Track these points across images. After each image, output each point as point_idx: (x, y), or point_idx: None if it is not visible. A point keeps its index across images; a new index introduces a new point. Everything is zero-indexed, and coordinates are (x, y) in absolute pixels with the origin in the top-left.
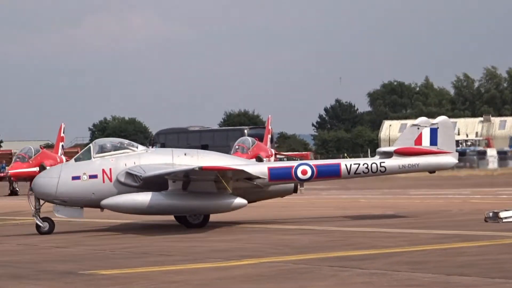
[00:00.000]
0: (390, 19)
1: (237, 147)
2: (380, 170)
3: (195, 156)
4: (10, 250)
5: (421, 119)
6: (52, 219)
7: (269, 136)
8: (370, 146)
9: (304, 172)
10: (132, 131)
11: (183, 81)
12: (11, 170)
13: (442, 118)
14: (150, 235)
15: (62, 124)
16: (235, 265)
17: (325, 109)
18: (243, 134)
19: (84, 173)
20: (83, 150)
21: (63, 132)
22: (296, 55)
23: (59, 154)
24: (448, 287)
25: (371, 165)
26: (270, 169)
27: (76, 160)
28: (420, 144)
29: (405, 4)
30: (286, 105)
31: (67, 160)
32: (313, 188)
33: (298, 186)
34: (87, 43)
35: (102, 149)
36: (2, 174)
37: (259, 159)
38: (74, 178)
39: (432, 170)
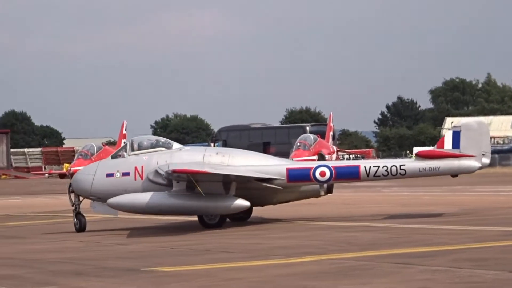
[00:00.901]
0: (452, 16)
1: (298, 144)
2: (399, 173)
3: (227, 155)
4: (72, 247)
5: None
6: (85, 215)
7: (331, 133)
8: (432, 143)
9: (322, 174)
10: (194, 128)
11: (245, 78)
12: (73, 167)
13: (465, 121)
14: (211, 232)
15: (124, 121)
16: (296, 262)
17: (387, 106)
18: (305, 131)
19: (118, 171)
20: (120, 147)
21: (125, 129)
22: (358, 52)
23: None
24: (511, 284)
25: (391, 167)
26: (288, 170)
27: (112, 157)
28: (443, 147)
29: (467, 1)
30: (348, 102)
31: None
32: (374, 185)
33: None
34: (151, 41)
35: (137, 147)
36: (64, 171)
37: (321, 156)
38: (108, 175)
39: (453, 174)
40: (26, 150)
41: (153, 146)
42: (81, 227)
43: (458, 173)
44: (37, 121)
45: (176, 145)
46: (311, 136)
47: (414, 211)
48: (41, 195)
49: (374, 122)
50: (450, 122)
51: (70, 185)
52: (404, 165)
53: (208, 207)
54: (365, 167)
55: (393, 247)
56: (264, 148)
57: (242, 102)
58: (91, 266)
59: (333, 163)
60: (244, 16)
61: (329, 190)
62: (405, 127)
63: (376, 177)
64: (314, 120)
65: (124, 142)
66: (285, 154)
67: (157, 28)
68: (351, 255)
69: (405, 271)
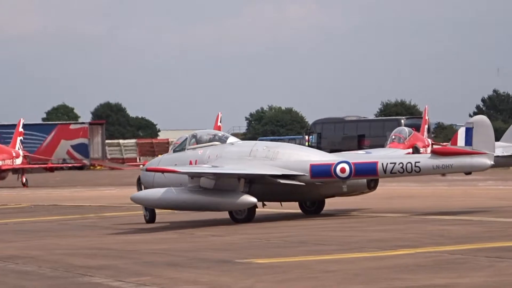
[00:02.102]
0: None
1: (393, 137)
2: (414, 170)
3: (272, 149)
4: (166, 238)
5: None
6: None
7: (426, 126)
8: None
9: (342, 170)
10: (289, 121)
11: (340, 70)
12: None
13: (478, 118)
14: (305, 225)
15: (219, 113)
16: (391, 254)
17: (483, 100)
18: (399, 124)
19: (176, 164)
20: (182, 141)
21: (220, 121)
22: (452, 45)
23: None
24: None
25: (406, 164)
26: (312, 166)
27: (174, 151)
28: (456, 144)
29: None
30: (443, 95)
31: None
32: (470, 178)
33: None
34: (247, 33)
35: (195, 141)
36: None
37: (416, 150)
38: None
39: (466, 171)
40: (121, 141)
41: (210, 140)
42: (150, 219)
43: (471, 171)
44: (132, 112)
45: (231, 139)
46: (406, 129)
47: (509, 205)
48: (135, 186)
49: (470, 115)
50: None
51: (139, 177)
52: (419, 162)
53: (217, 203)
54: (382, 163)
55: (488, 241)
56: (359, 141)
57: (337, 95)
58: (185, 257)
59: (354, 159)
60: (338, 6)
61: (369, 186)
62: (501, 121)
63: (392, 173)
64: (409, 113)
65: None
66: (379, 147)
67: (252, 19)
68: (445, 248)
69: (500, 265)
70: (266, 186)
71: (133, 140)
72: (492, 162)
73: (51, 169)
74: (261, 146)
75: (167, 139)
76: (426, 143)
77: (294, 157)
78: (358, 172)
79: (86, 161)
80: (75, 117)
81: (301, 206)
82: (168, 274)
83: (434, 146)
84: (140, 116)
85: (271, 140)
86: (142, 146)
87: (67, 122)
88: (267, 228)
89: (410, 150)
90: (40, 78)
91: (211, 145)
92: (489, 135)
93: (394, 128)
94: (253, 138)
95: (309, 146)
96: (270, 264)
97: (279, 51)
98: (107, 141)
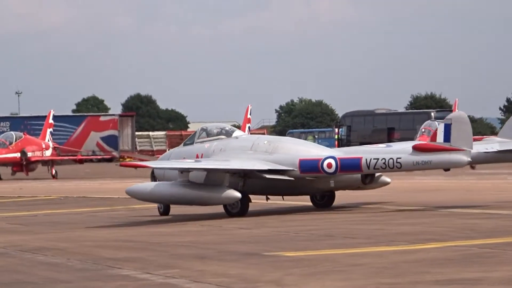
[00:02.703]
0: None
1: (423, 130)
2: (396, 166)
3: (273, 144)
4: (194, 231)
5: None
6: None
7: None
8: None
9: (329, 165)
10: (319, 113)
11: (371, 63)
12: None
13: (456, 114)
14: (333, 218)
15: (249, 105)
16: (420, 248)
17: None
18: (429, 117)
19: (184, 158)
20: (192, 135)
21: (250, 114)
22: (484, 38)
23: None
24: None
25: (388, 160)
26: (301, 161)
27: (184, 144)
28: (435, 140)
29: None
30: (473, 88)
31: None
32: (498, 172)
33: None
34: (277, 26)
35: (203, 134)
36: None
37: None
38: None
39: (444, 167)
40: (150, 133)
41: (218, 134)
42: (164, 211)
43: (449, 167)
44: (162, 104)
45: (237, 133)
46: (436, 122)
47: None
48: None
49: (500, 108)
50: None
51: (152, 170)
52: (400, 158)
53: (203, 197)
54: (366, 159)
55: None
56: (389, 134)
57: (367, 88)
58: (212, 250)
59: (340, 155)
60: (369, 1)
61: (364, 181)
62: None
63: (376, 169)
64: (439, 106)
65: (249, 127)
66: (409, 140)
67: (283, 12)
68: (475, 242)
69: None
70: (261, 180)
71: (163, 132)
72: (469, 159)
73: (81, 161)
74: (262, 140)
75: None
76: None
77: (292, 152)
78: (343, 168)
79: (115, 153)
80: (105, 109)
81: (312, 200)
82: (196, 266)
83: None
84: (170, 108)
85: (301, 132)
86: (172, 138)
87: (97, 114)
88: (295, 221)
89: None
90: (71, 70)
91: (217, 138)
92: (467, 132)
93: (424, 121)
94: (283, 130)
95: (338, 139)
96: (298, 257)
97: (309, 44)
98: (137, 133)
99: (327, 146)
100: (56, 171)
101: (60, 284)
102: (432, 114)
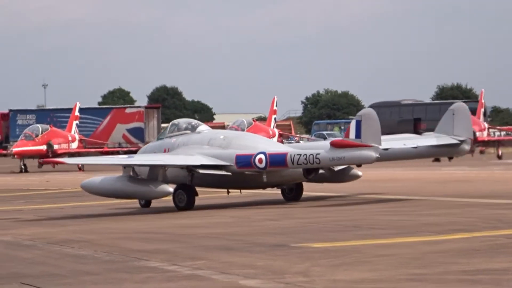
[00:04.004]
0: None
1: None
2: (315, 162)
3: (227, 140)
4: (222, 223)
5: None
6: None
7: (482, 110)
8: None
9: (260, 161)
10: (345, 104)
11: (396, 54)
12: None
13: (366, 111)
14: (359, 209)
15: (275, 97)
16: (446, 239)
17: None
18: None
19: (155, 152)
20: (164, 129)
21: (276, 105)
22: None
23: (271, 127)
24: None
25: (309, 156)
26: (237, 156)
27: (158, 139)
28: (348, 136)
29: None
30: (500, 78)
31: (279, 133)
32: None
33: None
34: (300, 17)
35: (173, 129)
36: None
37: (472, 133)
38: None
39: (355, 163)
40: None
41: (185, 129)
42: (145, 203)
43: (359, 163)
44: (188, 96)
45: (201, 128)
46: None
47: None
48: None
49: None
50: None
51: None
52: (319, 154)
53: (139, 192)
54: (290, 155)
55: None
56: (415, 125)
57: (393, 78)
58: (240, 241)
59: (270, 150)
60: None
61: (306, 175)
62: None
63: (299, 164)
64: (465, 96)
65: (275, 118)
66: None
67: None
68: (502, 233)
69: None
70: (207, 175)
71: None
72: (378, 155)
73: (107, 153)
74: (220, 135)
75: (223, 123)
76: (482, 127)
77: (244, 147)
78: (272, 163)
79: (141, 145)
80: (131, 101)
81: (282, 193)
82: (224, 258)
83: (490, 130)
84: (196, 100)
85: (327, 123)
86: None
87: (123, 106)
88: (322, 212)
89: None
90: (97, 62)
91: (183, 133)
92: (375, 128)
93: None
94: (309, 121)
95: None
96: (325, 249)
97: (335, 35)
98: (163, 125)
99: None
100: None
101: (87, 276)
102: None
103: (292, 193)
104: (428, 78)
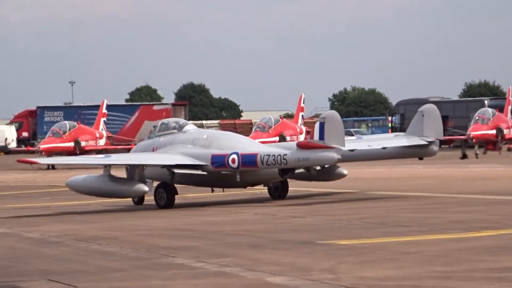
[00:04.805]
0: None
1: (477, 118)
2: (283, 162)
3: (209, 140)
4: (248, 220)
5: None
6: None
7: (510, 107)
8: None
9: (233, 161)
10: (372, 102)
11: (424, 51)
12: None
13: (329, 113)
14: (385, 206)
15: (302, 94)
16: (473, 236)
17: None
18: (483, 105)
19: (144, 151)
20: (154, 129)
21: (303, 103)
22: None
23: (298, 124)
24: None
25: (277, 157)
26: (212, 156)
27: (148, 137)
28: (313, 137)
29: None
30: None
31: (306, 131)
32: None
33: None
34: (327, 14)
35: (162, 128)
36: None
37: (499, 131)
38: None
39: (318, 165)
40: (204, 122)
41: (173, 128)
42: (139, 201)
43: (323, 164)
44: (216, 93)
45: (187, 127)
46: (490, 110)
47: None
48: None
49: None
50: None
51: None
52: (286, 155)
53: (116, 191)
54: (260, 155)
55: None
56: (442, 122)
57: (421, 76)
58: (266, 238)
59: (242, 151)
60: None
61: (281, 175)
62: None
63: (268, 165)
64: (493, 94)
65: (302, 115)
66: (463, 128)
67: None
68: None
69: None
70: (188, 174)
71: (216, 121)
72: (339, 156)
73: None
74: (204, 135)
75: (250, 120)
76: (510, 124)
77: (223, 147)
78: (244, 163)
79: None
80: (158, 98)
81: (268, 191)
82: (250, 255)
83: None
84: (223, 97)
85: (354, 121)
86: (225, 126)
87: (150, 103)
88: (348, 210)
89: (494, 131)
90: (124, 59)
91: (170, 132)
92: (338, 130)
93: (477, 109)
94: None
95: (392, 127)
96: (351, 246)
97: (362, 32)
98: (190, 122)
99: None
100: None
101: (114, 273)
102: (486, 102)
103: (278, 191)
104: (456, 75)
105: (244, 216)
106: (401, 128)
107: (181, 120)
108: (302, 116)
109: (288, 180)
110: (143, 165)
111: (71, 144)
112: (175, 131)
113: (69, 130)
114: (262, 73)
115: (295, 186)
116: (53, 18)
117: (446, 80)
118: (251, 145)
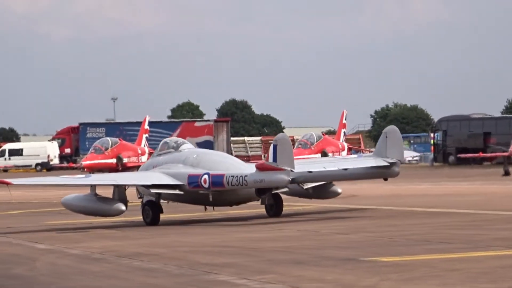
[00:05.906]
0: None
1: None
2: (244, 183)
3: (198, 159)
4: (290, 236)
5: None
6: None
7: None
8: None
9: (204, 181)
10: (414, 118)
11: (466, 67)
12: None
13: (280, 136)
14: (429, 223)
15: (344, 110)
16: None
17: None
18: None
19: (147, 169)
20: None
21: (345, 119)
22: None
23: (340, 140)
24: None
25: (239, 178)
26: (188, 176)
27: (152, 156)
28: (268, 159)
29: None
30: None
31: (348, 147)
32: None
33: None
34: (370, 29)
35: (163, 148)
36: None
37: None
38: None
39: (272, 186)
40: (246, 138)
41: (172, 147)
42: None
43: (275, 186)
44: (258, 109)
45: (184, 146)
46: None
47: None
48: None
49: None
50: None
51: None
52: (246, 176)
53: (97, 210)
54: (227, 176)
55: None
56: (484, 139)
57: (463, 92)
58: (309, 255)
59: (213, 171)
60: (462, 3)
61: (258, 194)
62: None
63: (232, 186)
64: None
65: (344, 132)
66: (505, 145)
67: (376, 14)
68: None
69: None
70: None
71: (258, 138)
72: (290, 178)
73: None
74: (193, 154)
75: (292, 136)
76: None
77: (208, 167)
78: (213, 184)
79: None
80: (200, 115)
81: (266, 210)
82: (293, 272)
83: None
84: (265, 113)
85: None
86: (267, 143)
87: (192, 119)
88: (391, 226)
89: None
90: (166, 75)
91: (168, 152)
92: (288, 152)
93: None
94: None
95: (434, 144)
96: (394, 263)
97: (404, 48)
98: (232, 138)
99: (423, 151)
100: None
101: None
102: None
103: (273, 209)
104: (498, 92)
105: (285, 233)
106: (443, 144)
107: (180, 140)
108: (344, 132)
109: (281, 196)
110: (119, 185)
111: (113, 160)
112: (172, 150)
113: (111, 146)
114: (304, 89)
115: (335, 203)
116: (95, 35)
117: (489, 96)
118: (233, 165)
